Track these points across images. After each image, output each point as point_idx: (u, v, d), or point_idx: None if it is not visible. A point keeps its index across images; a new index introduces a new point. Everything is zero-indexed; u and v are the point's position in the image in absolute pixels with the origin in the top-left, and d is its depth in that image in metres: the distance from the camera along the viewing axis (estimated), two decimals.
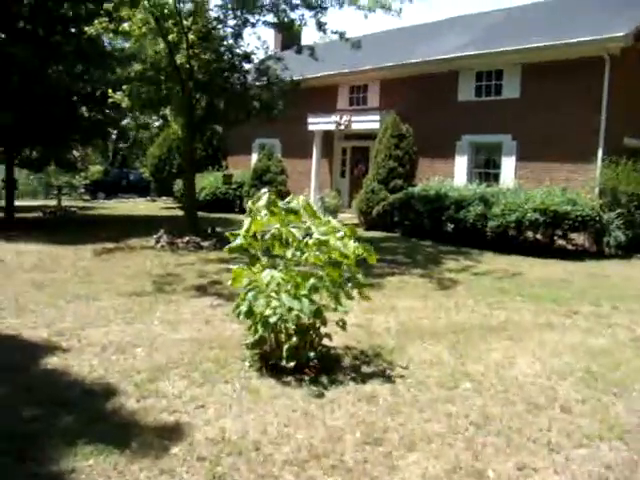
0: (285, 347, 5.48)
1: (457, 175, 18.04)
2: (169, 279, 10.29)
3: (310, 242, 5.71)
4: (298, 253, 5.68)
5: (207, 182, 24.53)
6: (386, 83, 20.41)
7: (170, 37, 13.07)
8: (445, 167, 18.40)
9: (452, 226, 15.34)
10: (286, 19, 14.29)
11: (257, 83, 15.69)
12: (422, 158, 18.81)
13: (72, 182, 36.89)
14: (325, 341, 5.95)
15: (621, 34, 14.18)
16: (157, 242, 14.16)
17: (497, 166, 17.31)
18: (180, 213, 23.89)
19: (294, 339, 5.55)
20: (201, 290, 9.48)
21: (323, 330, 5.88)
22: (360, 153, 21.38)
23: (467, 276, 11.29)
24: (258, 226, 5.66)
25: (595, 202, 14.26)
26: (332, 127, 21.18)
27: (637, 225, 14.19)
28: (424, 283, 10.53)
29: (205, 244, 13.98)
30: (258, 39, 15.90)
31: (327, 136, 22.36)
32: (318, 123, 21.91)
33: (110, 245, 13.83)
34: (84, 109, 19.02)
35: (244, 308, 5.48)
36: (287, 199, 5.93)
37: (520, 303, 9.15)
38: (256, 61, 16.47)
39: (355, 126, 20.47)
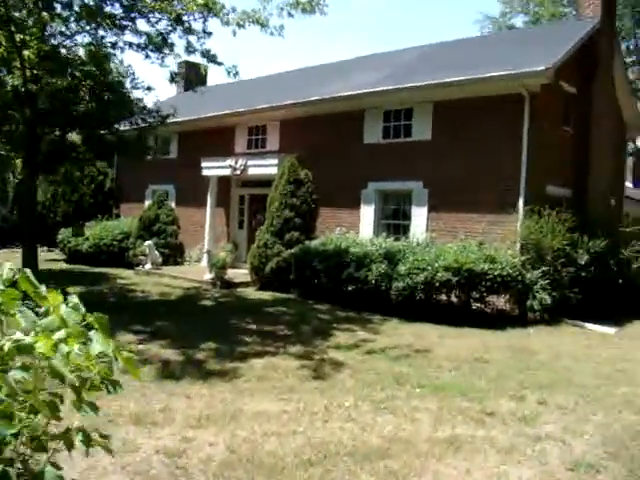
0: None
1: (363, 227, 15.76)
2: None
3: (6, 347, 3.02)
4: None
5: (91, 233, 21.48)
6: (287, 124, 18.16)
7: None
8: (350, 218, 16.10)
9: (353, 287, 12.88)
10: (147, 40, 11.77)
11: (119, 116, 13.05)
12: (324, 208, 16.48)
13: None
14: None
15: (541, 68, 12.36)
16: None
17: (407, 217, 15.11)
18: (66, 266, 20.85)
19: None
20: None
21: None
22: (259, 202, 18.85)
23: (358, 356, 8.76)
24: None
25: (517, 259, 12.15)
26: (227, 172, 18.68)
27: (564, 285, 12.12)
28: (298, 368, 7.92)
29: None
30: (120, 63, 12.82)
31: (223, 183, 19.83)
32: (212, 168, 19.38)
33: None
34: None
35: None
36: None
37: (418, 400, 6.65)
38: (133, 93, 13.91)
39: (252, 171, 18.03)
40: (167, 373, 7.50)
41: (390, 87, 14.84)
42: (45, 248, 25.03)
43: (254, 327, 10.71)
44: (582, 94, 14.52)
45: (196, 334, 9.78)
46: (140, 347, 8.83)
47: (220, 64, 12.20)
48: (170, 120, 21.58)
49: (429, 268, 11.65)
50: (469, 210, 13.73)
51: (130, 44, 12.05)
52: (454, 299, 12.24)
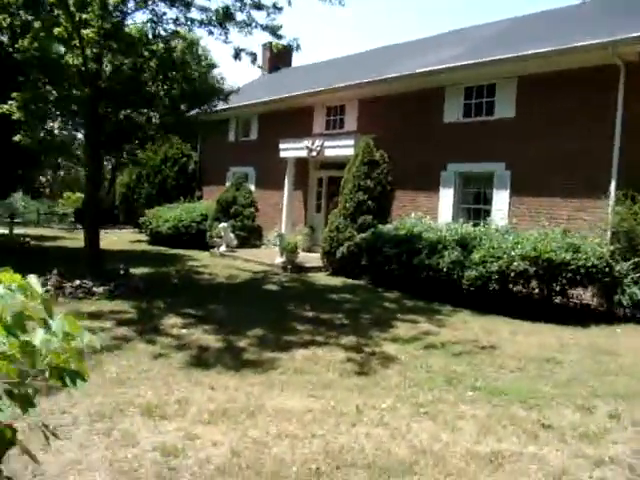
0: None
1: (442, 211, 14.85)
2: None
3: None
4: None
5: (171, 214, 21.65)
6: (364, 104, 17.44)
7: (56, 30, 10.29)
8: (428, 202, 15.24)
9: (424, 275, 12.09)
10: (215, 15, 11.37)
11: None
12: (401, 191, 15.68)
13: (55, 210, 34.49)
14: None
15: (638, 34, 11.01)
16: (43, 285, 11.20)
17: (488, 201, 14.07)
18: (147, 248, 21.20)
19: None
20: None
21: None
22: (337, 184, 18.23)
23: (414, 350, 8.04)
24: None
25: (605, 249, 10.93)
26: (304, 154, 18.20)
27: None
28: (342, 362, 7.32)
29: (99, 290, 11.01)
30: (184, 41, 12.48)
31: (301, 165, 19.40)
32: (290, 149, 18.98)
33: None
34: None
35: None
36: None
37: (468, 405, 5.90)
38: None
39: (328, 152, 17.46)
40: (200, 361, 7.11)
41: (470, 62, 13.78)
42: (133, 229, 25.56)
43: (311, 314, 10.18)
44: None
45: (247, 320, 9.38)
46: (183, 331, 8.53)
47: (280, 37, 11.67)
48: (250, 102, 21.53)
49: (504, 256, 10.68)
50: (554, 194, 12.57)
51: (192, 20, 11.71)
52: (533, 291, 11.22)
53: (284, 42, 12.40)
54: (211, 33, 11.83)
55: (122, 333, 8.29)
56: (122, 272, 12.41)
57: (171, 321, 9.13)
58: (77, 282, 11.08)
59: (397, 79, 15.65)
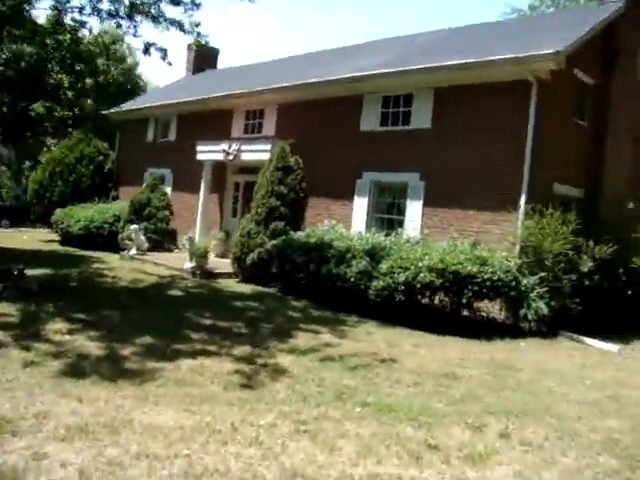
0: None
1: (355, 220, 14.59)
2: None
3: None
4: None
5: (82, 214, 20.63)
6: (284, 109, 17.06)
7: None
8: (343, 210, 14.95)
9: (332, 284, 11.73)
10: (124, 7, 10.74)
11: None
12: (316, 198, 15.32)
13: None
14: None
15: (550, 51, 11.06)
16: None
17: (402, 211, 13.89)
18: (56, 248, 20.10)
19: None
20: None
21: None
22: (254, 190, 17.77)
23: (309, 362, 7.61)
24: None
25: (512, 262, 10.87)
26: (221, 157, 17.64)
27: (565, 293, 10.82)
28: (230, 373, 6.82)
29: None
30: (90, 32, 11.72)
31: (219, 168, 18.80)
32: (207, 152, 18.36)
33: None
34: None
35: None
36: None
37: (353, 422, 5.51)
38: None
39: (245, 156, 16.96)
40: (75, 369, 6.48)
41: (388, 70, 13.63)
42: (48, 229, 24.25)
43: (209, 322, 9.63)
44: (600, 84, 13.17)
45: (139, 327, 8.75)
46: (66, 337, 7.86)
47: (189, 32, 11.15)
48: (169, 102, 20.83)
49: (412, 267, 10.45)
50: (467, 207, 12.50)
51: (99, 10, 11.02)
52: (441, 303, 11.05)
53: (196, 38, 11.86)
54: (119, 26, 11.19)
55: None
56: (15, 273, 11.51)
57: (56, 326, 8.40)
58: None
59: (314, 85, 15.39)
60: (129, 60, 38.27)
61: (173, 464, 4.34)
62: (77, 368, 6.55)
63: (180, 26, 10.96)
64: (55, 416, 5.08)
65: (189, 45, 26.22)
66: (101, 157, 24.24)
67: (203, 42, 11.33)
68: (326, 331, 9.61)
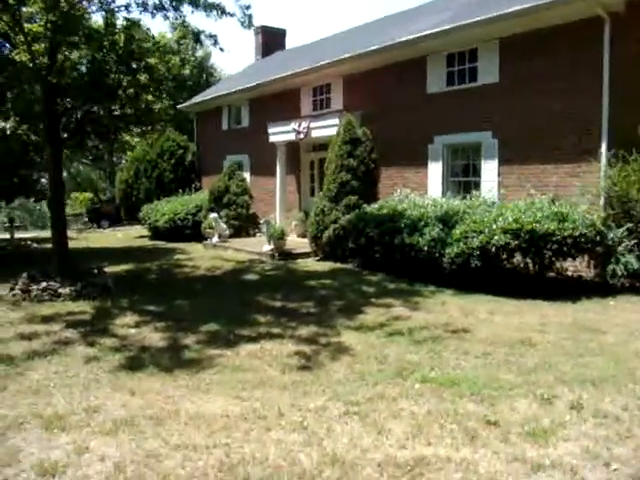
0: None
1: (431, 186, 14.09)
2: None
3: None
4: None
5: (168, 208, 21.22)
6: (349, 81, 16.67)
7: None
8: (417, 177, 14.47)
9: (406, 255, 11.37)
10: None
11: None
12: (388, 168, 14.93)
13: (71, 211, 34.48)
14: None
15: None
16: (11, 289, 10.85)
17: (477, 173, 13.27)
18: (147, 243, 20.85)
19: None
20: None
21: None
22: None
23: (375, 338, 7.38)
24: None
25: (595, 215, 10.12)
26: (292, 137, 17.52)
27: None
28: (290, 355, 6.70)
29: (65, 291, 10.50)
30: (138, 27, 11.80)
31: (292, 148, 18.71)
32: (278, 133, 18.29)
33: None
34: None
35: None
36: None
37: (409, 400, 5.24)
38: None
39: (315, 133, 16.74)
40: (134, 362, 6.55)
41: (448, 27, 12.93)
42: (142, 226, 25.19)
43: (278, 304, 9.57)
44: None
45: (207, 314, 8.81)
46: (131, 331, 8.00)
47: (232, 15, 10.96)
48: (238, 88, 20.90)
49: (485, 230, 9.94)
50: (543, 161, 11.75)
51: (145, 5, 11.04)
52: (519, 265, 10.46)
53: (247, 21, 11.66)
54: (167, 18, 11.20)
55: (66, 336, 7.77)
56: (95, 271, 11.93)
57: (125, 320, 8.60)
58: (43, 284, 10.62)
59: (377, 52, 14.87)
60: (200, 53, 38.68)
61: (211, 454, 4.25)
62: (136, 361, 6.62)
63: (221, 10, 10.78)
64: (105, 410, 5.13)
65: (255, 29, 26.15)
66: (181, 150, 24.75)
67: (253, 25, 11.12)
68: (399, 304, 9.33)
